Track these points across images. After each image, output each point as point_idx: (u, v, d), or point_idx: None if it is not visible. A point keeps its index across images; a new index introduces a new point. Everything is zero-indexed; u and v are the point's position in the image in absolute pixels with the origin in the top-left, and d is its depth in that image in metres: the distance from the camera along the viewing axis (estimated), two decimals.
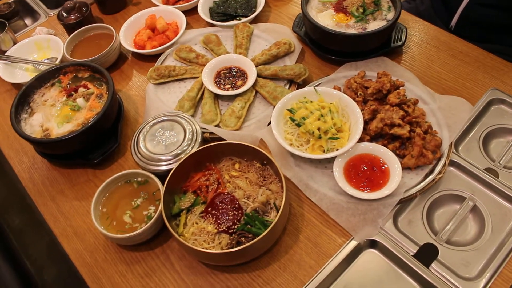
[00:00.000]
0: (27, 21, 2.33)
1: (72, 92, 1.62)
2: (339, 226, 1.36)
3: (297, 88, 1.67)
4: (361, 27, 1.66)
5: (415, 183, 1.40)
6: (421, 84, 1.60)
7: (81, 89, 1.63)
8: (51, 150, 1.55)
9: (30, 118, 1.60)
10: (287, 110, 1.51)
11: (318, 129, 1.43)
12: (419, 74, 1.65)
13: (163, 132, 1.48)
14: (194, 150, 1.42)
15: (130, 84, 1.82)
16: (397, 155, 1.42)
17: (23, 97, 1.62)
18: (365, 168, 1.42)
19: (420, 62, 1.71)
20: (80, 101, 1.58)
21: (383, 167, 1.41)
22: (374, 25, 1.67)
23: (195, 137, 1.46)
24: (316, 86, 1.63)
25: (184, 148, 1.43)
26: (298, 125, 1.46)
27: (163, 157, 1.42)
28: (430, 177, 1.40)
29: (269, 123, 1.55)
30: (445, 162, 1.42)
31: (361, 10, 1.70)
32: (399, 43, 1.70)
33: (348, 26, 1.68)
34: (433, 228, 1.37)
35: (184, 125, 1.48)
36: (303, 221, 1.39)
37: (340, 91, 1.59)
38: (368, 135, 1.47)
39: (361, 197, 1.34)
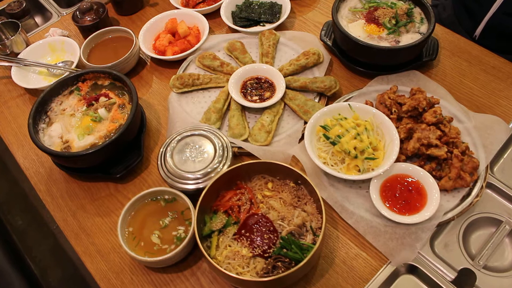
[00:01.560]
0: (38, 19, 2.23)
1: (93, 102, 1.54)
2: (375, 249, 1.32)
3: (327, 101, 1.61)
4: (394, 40, 1.61)
5: (452, 206, 1.36)
6: (455, 101, 1.56)
7: (102, 99, 1.55)
8: (72, 164, 1.48)
9: (49, 128, 1.52)
10: (321, 126, 1.46)
11: (355, 148, 1.38)
12: (451, 90, 1.61)
13: (192, 148, 1.41)
14: (226, 168, 1.37)
15: (150, 91, 1.75)
16: (433, 176, 1.38)
17: (41, 105, 1.53)
18: (402, 189, 1.37)
19: (452, 77, 1.67)
20: (102, 111, 1.50)
21: (420, 189, 1.37)
22: (407, 38, 1.61)
23: (225, 154, 1.40)
24: (348, 100, 1.59)
25: (215, 166, 1.37)
26: (333, 143, 1.41)
27: (193, 175, 1.35)
28: (468, 200, 1.37)
29: (301, 139, 1.49)
30: (482, 185, 1.38)
31: (393, 21, 1.64)
32: (431, 57, 1.65)
33: (380, 38, 1.62)
34: (469, 252, 1.34)
35: (213, 140, 1.42)
36: (338, 243, 1.35)
37: (372, 106, 1.55)
38: (404, 155, 1.43)
39: (401, 221, 1.30)
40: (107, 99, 1.55)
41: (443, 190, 1.38)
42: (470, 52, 1.74)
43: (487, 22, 1.90)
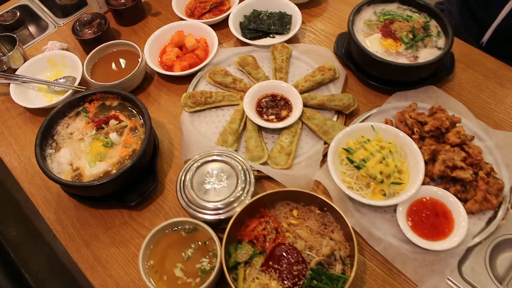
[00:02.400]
0: (32, 29, 2.10)
1: (103, 125, 1.47)
2: (403, 275, 1.30)
3: (345, 120, 1.57)
4: (412, 55, 1.57)
5: (478, 229, 1.34)
6: (474, 117, 1.53)
7: (112, 122, 1.47)
8: (85, 193, 1.40)
9: (56, 154, 1.44)
10: (344, 149, 1.41)
11: (380, 172, 1.35)
12: (468, 105, 1.58)
13: (212, 175, 1.36)
14: (249, 196, 1.32)
15: (159, 109, 1.67)
16: (458, 198, 1.36)
17: (46, 130, 1.45)
18: (428, 213, 1.35)
19: (468, 91, 1.65)
20: (113, 136, 1.43)
21: (447, 213, 1.34)
22: (425, 53, 1.58)
23: (248, 180, 1.35)
24: (367, 118, 1.55)
25: (238, 194, 1.32)
26: (358, 168, 1.37)
27: (215, 205, 1.30)
28: (494, 223, 1.36)
29: (322, 160, 1.46)
30: (508, 207, 1.37)
31: (410, 36, 1.60)
32: (448, 71, 1.63)
33: (398, 53, 1.58)
34: (496, 275, 1.33)
35: (234, 166, 1.36)
36: (365, 271, 1.32)
37: (392, 124, 1.51)
38: (428, 177, 1.40)
39: (431, 247, 1.28)
40: (118, 122, 1.47)
41: (468, 213, 1.35)
42: (485, 64, 1.71)
43: (495, 29, 1.88)
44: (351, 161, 1.39)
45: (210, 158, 1.38)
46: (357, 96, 1.64)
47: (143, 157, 1.37)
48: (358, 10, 1.67)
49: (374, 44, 1.61)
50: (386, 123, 1.52)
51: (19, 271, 2.17)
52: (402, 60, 1.56)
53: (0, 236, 2.10)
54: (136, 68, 1.63)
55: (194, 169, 1.36)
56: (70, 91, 1.66)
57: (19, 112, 1.72)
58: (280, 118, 1.54)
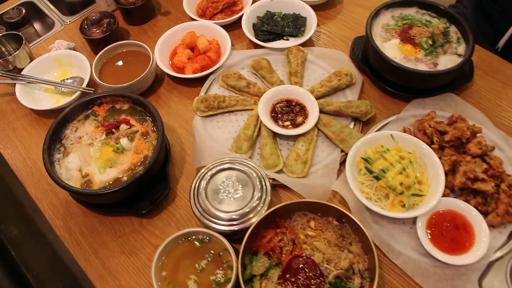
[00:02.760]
0: (38, 26, 2.04)
1: (113, 130, 1.42)
2: None
3: (362, 127, 1.53)
4: (432, 62, 1.53)
5: (500, 243, 1.31)
6: (494, 127, 1.50)
7: (123, 126, 1.43)
8: (95, 200, 1.35)
9: (65, 159, 1.39)
10: (362, 159, 1.37)
11: (400, 184, 1.31)
12: (487, 113, 1.54)
13: (227, 184, 1.31)
14: (265, 207, 1.28)
15: (170, 112, 1.62)
16: (479, 211, 1.32)
17: (54, 134, 1.40)
18: (448, 226, 1.31)
19: (487, 99, 1.60)
20: (124, 142, 1.38)
21: (467, 226, 1.31)
22: (445, 60, 1.53)
23: (264, 189, 1.30)
24: (384, 126, 1.51)
25: (254, 205, 1.27)
26: (377, 178, 1.33)
27: (231, 215, 1.26)
28: None
29: (339, 169, 1.42)
30: None
31: (430, 42, 1.56)
32: (468, 79, 1.59)
33: (417, 60, 1.54)
34: None
35: (250, 174, 1.32)
36: (383, 285, 1.28)
37: (410, 133, 1.47)
38: (448, 188, 1.36)
39: (452, 262, 1.24)
40: (129, 126, 1.43)
41: (489, 226, 1.32)
42: (505, 71, 1.67)
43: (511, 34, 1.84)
44: (370, 171, 1.35)
45: (224, 166, 1.34)
46: (374, 102, 1.60)
47: (155, 165, 1.33)
48: (376, 14, 1.62)
49: (392, 49, 1.57)
50: (404, 131, 1.48)
51: (20, 271, 2.12)
52: (422, 67, 1.52)
53: (1, 235, 2.05)
54: (147, 70, 1.58)
55: (208, 177, 1.32)
56: (78, 93, 1.61)
57: (25, 113, 1.67)
58: (295, 125, 1.50)
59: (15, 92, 1.64)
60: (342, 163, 1.46)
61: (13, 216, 1.88)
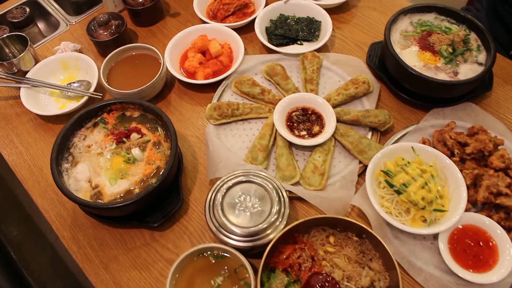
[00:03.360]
0: (42, 26, 1.97)
1: (123, 139, 1.36)
2: None
3: (379, 137, 1.48)
4: (452, 71, 1.49)
5: None
6: None
7: (134, 135, 1.37)
8: (104, 213, 1.30)
9: (73, 169, 1.34)
10: (383, 172, 1.33)
11: (422, 198, 1.26)
12: (506, 123, 1.50)
13: (244, 197, 1.27)
14: (284, 222, 1.24)
15: (181, 119, 1.57)
16: (502, 226, 1.29)
17: (63, 142, 1.34)
18: (471, 242, 1.27)
19: (507, 108, 1.57)
20: (136, 152, 1.33)
21: (490, 242, 1.27)
22: (465, 69, 1.49)
23: (282, 203, 1.26)
24: (403, 137, 1.47)
25: (272, 220, 1.23)
26: (398, 192, 1.29)
27: (249, 231, 1.21)
28: None
29: (358, 181, 1.38)
30: None
31: (450, 49, 1.51)
32: (487, 88, 1.55)
33: (437, 68, 1.49)
34: None
35: (268, 188, 1.27)
36: None
37: (430, 144, 1.43)
38: (470, 203, 1.32)
39: (476, 280, 1.21)
40: (140, 135, 1.37)
41: None
42: None
43: None
44: (391, 185, 1.30)
45: (241, 179, 1.29)
46: (391, 111, 1.55)
47: (168, 177, 1.28)
48: (394, 20, 1.57)
49: (411, 57, 1.52)
50: (424, 142, 1.44)
51: (20, 272, 2.07)
52: (442, 76, 1.48)
53: (1, 235, 2.00)
54: (157, 75, 1.53)
55: (224, 190, 1.27)
56: (85, 98, 1.55)
57: (29, 118, 1.61)
58: (312, 134, 1.45)
59: (19, 96, 1.57)
60: (360, 174, 1.41)
61: (13, 216, 1.83)
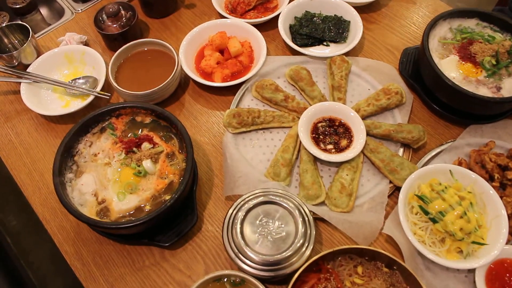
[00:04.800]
0: (45, 12, 1.82)
1: (133, 149, 1.24)
2: None
3: (411, 154, 1.36)
4: (495, 85, 1.36)
5: None
6: None
7: (145, 145, 1.25)
8: (112, 231, 1.19)
9: (78, 180, 1.22)
10: (417, 196, 1.21)
11: (460, 229, 1.15)
12: None
13: (266, 221, 1.15)
14: (310, 249, 1.12)
15: (196, 125, 1.44)
16: None
17: (66, 150, 1.22)
18: (511, 278, 1.17)
19: None
20: (147, 165, 1.20)
21: None
22: (509, 83, 1.36)
23: (308, 228, 1.14)
24: (437, 155, 1.35)
25: (297, 247, 1.11)
26: (433, 220, 1.17)
27: (271, 259, 1.10)
28: None
29: (387, 203, 1.27)
30: None
31: (493, 61, 1.38)
32: None
33: (478, 82, 1.36)
34: None
35: (289, 207, 1.16)
36: None
37: (466, 165, 1.32)
38: (510, 234, 1.21)
39: None
40: (152, 145, 1.24)
41: None
42: None
43: None
44: (426, 212, 1.19)
45: (262, 199, 1.17)
46: (423, 124, 1.43)
47: (183, 194, 1.16)
48: (433, 25, 1.43)
49: (450, 68, 1.39)
50: (460, 163, 1.32)
51: (19, 264, 2.00)
52: (483, 91, 1.35)
53: (0, 225, 1.91)
54: (171, 76, 1.39)
55: (243, 213, 1.15)
56: (91, 97, 1.42)
57: (30, 116, 1.48)
58: (339, 149, 1.33)
59: (20, 91, 1.44)
60: (390, 195, 1.30)
61: (12, 205, 1.74)
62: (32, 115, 1.47)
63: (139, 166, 1.22)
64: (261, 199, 1.17)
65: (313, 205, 1.26)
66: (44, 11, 1.81)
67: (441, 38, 1.45)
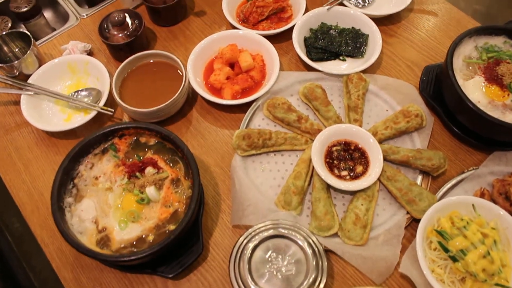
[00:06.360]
0: (48, 16, 1.74)
1: (137, 173, 1.17)
2: None
3: (430, 181, 1.29)
4: None
5: None
6: None
7: (149, 170, 1.18)
8: (112, 264, 1.13)
9: (78, 205, 1.16)
10: (436, 231, 1.14)
11: (483, 270, 1.08)
12: None
13: (275, 255, 1.09)
14: (324, 280, 1.08)
15: (203, 145, 1.37)
16: None
17: (66, 173, 1.16)
18: None
19: None
20: (151, 192, 1.14)
21: None
22: None
23: (320, 265, 1.08)
24: (458, 184, 1.27)
25: (310, 282, 1.05)
26: (453, 259, 1.10)
27: None
28: None
29: (404, 236, 1.20)
30: None
31: None
32: None
33: (505, 107, 1.28)
34: None
35: (301, 244, 1.09)
36: None
37: (489, 197, 1.24)
38: None
39: None
40: (156, 170, 1.18)
41: None
42: None
43: None
44: (446, 250, 1.11)
45: (271, 233, 1.10)
46: (444, 149, 1.35)
47: (188, 224, 1.09)
48: (458, 43, 1.34)
49: (475, 90, 1.30)
50: (483, 194, 1.25)
51: (21, 267, 1.96)
52: (510, 117, 1.27)
53: (3, 226, 1.88)
54: (178, 92, 1.32)
55: (252, 247, 1.09)
56: (94, 112, 1.35)
57: (30, 130, 1.41)
58: (354, 175, 1.25)
59: (20, 103, 1.37)
60: (406, 226, 1.23)
61: (15, 206, 1.68)
62: (32, 128, 1.41)
63: (142, 193, 1.15)
64: (270, 232, 1.11)
65: (325, 236, 1.19)
66: (48, 14, 1.73)
67: (466, 57, 1.36)
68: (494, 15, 3.03)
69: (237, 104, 1.37)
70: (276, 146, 1.31)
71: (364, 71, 1.42)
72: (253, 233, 1.12)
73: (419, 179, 1.28)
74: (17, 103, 1.44)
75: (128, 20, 1.45)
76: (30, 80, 1.40)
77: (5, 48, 1.46)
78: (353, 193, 1.25)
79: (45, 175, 1.34)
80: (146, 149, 1.23)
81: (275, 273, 1.07)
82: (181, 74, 1.38)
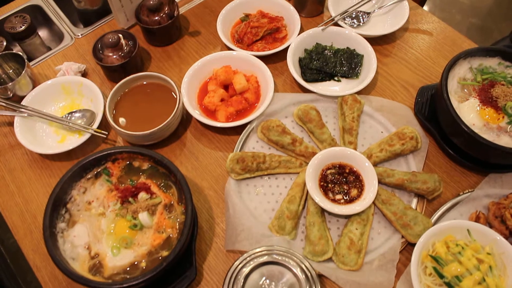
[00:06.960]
0: (43, 35, 1.74)
1: (130, 199, 1.17)
2: None
3: (425, 204, 1.28)
4: None
5: None
6: None
7: (142, 195, 1.18)
8: None
9: (70, 231, 1.15)
10: (431, 257, 1.13)
11: None
12: None
13: (270, 284, 1.08)
14: None
15: (197, 167, 1.37)
16: None
17: (58, 198, 1.15)
18: None
19: None
20: (143, 218, 1.13)
21: None
22: None
23: (311, 280, 1.07)
24: (453, 207, 1.26)
25: None
26: (449, 285, 1.09)
27: None
28: None
29: (398, 260, 1.19)
30: None
31: None
32: None
33: (500, 129, 1.28)
34: None
35: (294, 270, 1.08)
36: None
37: (485, 219, 1.23)
38: None
39: None
40: (149, 195, 1.17)
41: None
42: None
43: None
44: (440, 276, 1.11)
45: (265, 259, 1.09)
46: (439, 171, 1.35)
47: (181, 251, 1.08)
48: (453, 65, 1.34)
49: (470, 113, 1.30)
50: (478, 218, 1.24)
51: (17, 284, 1.96)
52: (505, 140, 1.26)
53: None
54: (172, 114, 1.32)
55: (247, 271, 1.08)
56: (88, 134, 1.35)
57: (24, 152, 1.41)
58: (348, 199, 1.24)
59: (13, 125, 1.37)
60: (401, 250, 1.22)
61: (11, 221, 1.67)
62: (26, 150, 1.40)
63: (135, 218, 1.14)
64: (265, 258, 1.10)
65: (320, 261, 1.18)
66: (43, 34, 1.73)
67: (461, 79, 1.36)
68: (490, 28, 3.03)
69: (231, 126, 1.36)
70: (270, 169, 1.31)
71: (359, 92, 1.42)
72: (248, 258, 1.11)
73: (414, 202, 1.28)
74: (10, 124, 1.44)
75: (122, 41, 1.45)
76: (24, 102, 1.40)
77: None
78: (348, 216, 1.25)
79: (39, 198, 1.34)
80: (140, 174, 1.23)
81: None
82: (175, 96, 1.38)
